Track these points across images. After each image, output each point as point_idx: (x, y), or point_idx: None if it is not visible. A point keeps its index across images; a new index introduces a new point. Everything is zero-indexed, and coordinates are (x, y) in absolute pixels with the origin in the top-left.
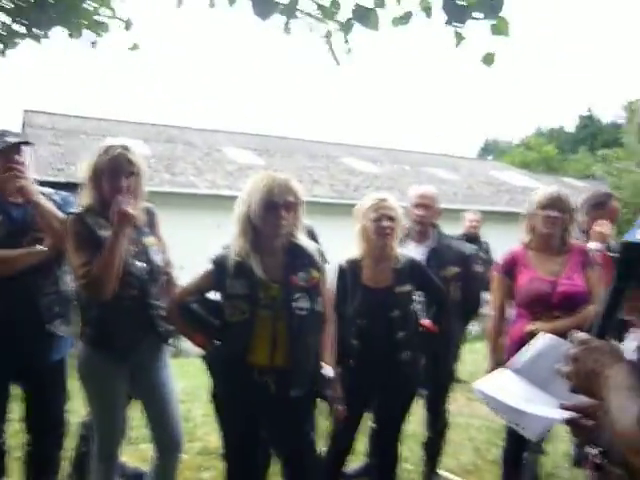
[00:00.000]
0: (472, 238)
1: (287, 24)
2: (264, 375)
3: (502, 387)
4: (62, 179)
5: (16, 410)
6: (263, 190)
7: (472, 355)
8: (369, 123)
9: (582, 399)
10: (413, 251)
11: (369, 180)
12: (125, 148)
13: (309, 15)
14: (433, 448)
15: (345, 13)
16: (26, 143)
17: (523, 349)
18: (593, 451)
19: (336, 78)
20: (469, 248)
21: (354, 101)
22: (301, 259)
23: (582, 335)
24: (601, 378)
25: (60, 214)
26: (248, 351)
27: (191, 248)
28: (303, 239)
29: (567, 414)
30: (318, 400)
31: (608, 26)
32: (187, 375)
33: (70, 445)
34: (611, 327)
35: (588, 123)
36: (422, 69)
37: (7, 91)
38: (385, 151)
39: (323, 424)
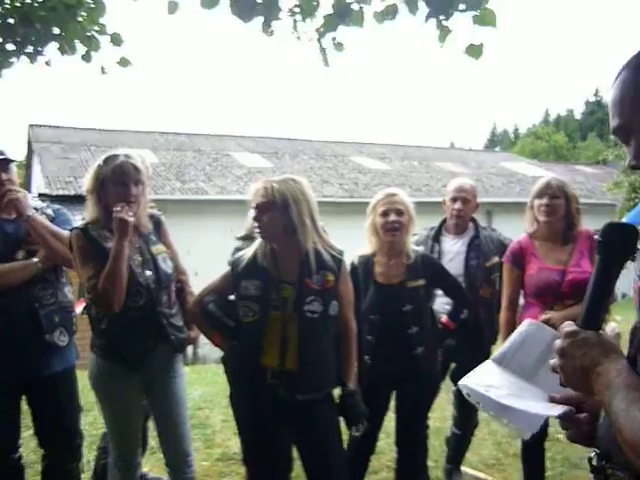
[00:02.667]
0: None
1: (268, 24)
2: (276, 378)
3: (487, 381)
4: (71, 192)
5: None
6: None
7: None
8: (375, 120)
9: (572, 392)
10: (451, 244)
11: (378, 177)
12: (127, 156)
13: (291, 13)
14: (459, 445)
15: (325, 10)
16: (9, 160)
17: (507, 339)
18: (590, 453)
19: (338, 77)
20: (507, 238)
21: (357, 99)
22: (318, 262)
23: (569, 326)
24: (592, 374)
25: (53, 227)
26: (260, 352)
27: (205, 254)
28: (320, 241)
29: (558, 408)
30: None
31: (615, 7)
32: (205, 382)
33: (90, 457)
34: (600, 316)
35: (595, 109)
36: (421, 63)
37: (10, 106)
38: (393, 147)
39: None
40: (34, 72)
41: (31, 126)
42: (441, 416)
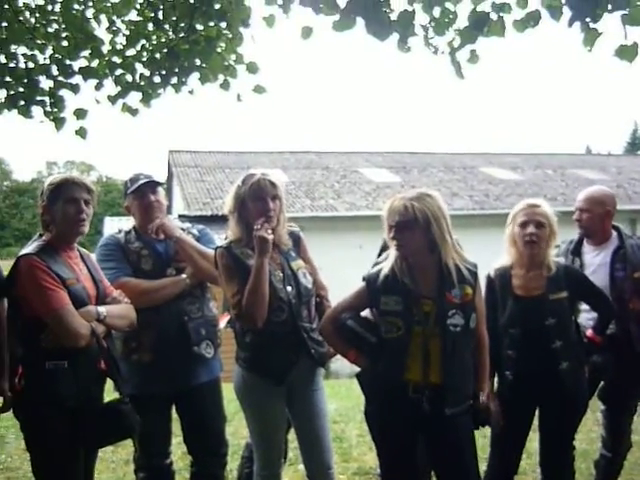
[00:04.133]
0: None
1: (404, 41)
2: (418, 392)
3: None
4: (208, 212)
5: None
6: (385, 212)
7: None
8: (504, 130)
9: None
10: (592, 255)
11: (510, 188)
12: (264, 174)
13: (424, 28)
14: (610, 469)
15: (461, 22)
16: (158, 183)
17: None
18: None
19: (466, 86)
20: None
21: (487, 108)
22: (455, 275)
23: None
24: None
25: (200, 247)
26: (403, 367)
27: (334, 270)
28: (457, 255)
29: None
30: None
31: None
32: (339, 396)
33: (233, 466)
34: None
35: None
36: (553, 67)
37: (153, 134)
38: (525, 157)
39: (482, 442)
40: (174, 101)
41: (171, 152)
42: (587, 437)
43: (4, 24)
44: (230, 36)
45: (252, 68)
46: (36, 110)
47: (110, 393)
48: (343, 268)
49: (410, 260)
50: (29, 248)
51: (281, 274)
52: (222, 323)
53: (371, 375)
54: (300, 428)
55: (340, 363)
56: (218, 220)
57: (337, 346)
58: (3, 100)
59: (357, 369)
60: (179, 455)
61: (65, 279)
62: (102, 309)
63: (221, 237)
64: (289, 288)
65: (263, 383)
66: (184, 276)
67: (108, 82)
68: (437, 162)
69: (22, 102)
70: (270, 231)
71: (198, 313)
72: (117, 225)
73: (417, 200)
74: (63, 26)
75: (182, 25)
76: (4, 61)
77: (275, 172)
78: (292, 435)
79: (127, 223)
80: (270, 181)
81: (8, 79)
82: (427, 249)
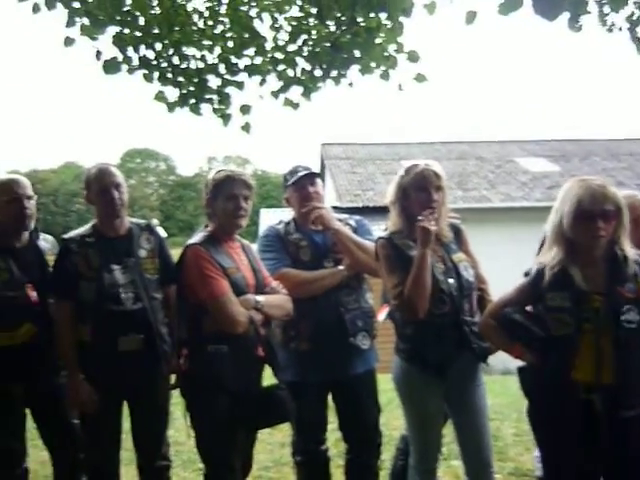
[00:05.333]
0: None
1: (575, 19)
2: (590, 393)
3: None
4: (360, 204)
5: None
6: (573, 199)
7: None
8: None
9: None
10: None
11: None
12: (427, 164)
13: (599, 4)
14: None
15: None
16: (316, 174)
17: None
18: None
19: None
20: None
21: None
22: (625, 269)
23: None
24: None
25: (357, 238)
26: (572, 366)
27: (488, 263)
28: (627, 248)
29: None
30: None
31: None
32: (493, 393)
33: (385, 456)
34: None
35: None
36: None
37: (305, 127)
38: None
39: None
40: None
41: (323, 145)
42: None
43: (176, 28)
44: (390, 26)
45: (413, 57)
46: (205, 107)
47: (269, 379)
48: (497, 262)
49: (582, 254)
50: (195, 238)
51: (442, 266)
52: (381, 315)
53: (537, 372)
54: (460, 424)
55: (491, 359)
56: (369, 211)
57: (499, 341)
58: (177, 99)
59: (511, 366)
60: (332, 441)
61: (226, 268)
62: (260, 298)
63: (378, 228)
64: (451, 280)
65: (423, 375)
66: (341, 268)
67: (271, 78)
68: (600, 149)
69: (192, 100)
70: (433, 222)
71: (355, 304)
72: (272, 217)
73: (612, 188)
74: (228, 26)
75: (343, 18)
76: (177, 62)
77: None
78: (445, 430)
79: (284, 214)
80: (434, 171)
81: (180, 79)
82: (609, 241)
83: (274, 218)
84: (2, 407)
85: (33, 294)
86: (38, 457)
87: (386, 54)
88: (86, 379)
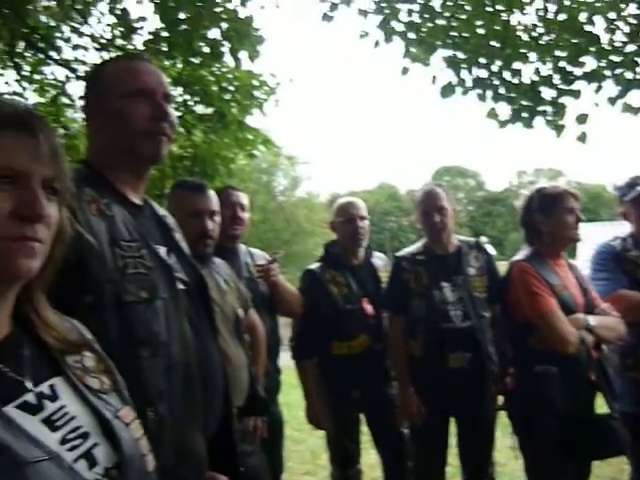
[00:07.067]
0: None
1: None
2: None
3: None
4: None
5: None
6: None
7: None
8: None
9: None
10: None
11: None
12: None
13: None
14: None
15: None
16: None
17: None
18: None
19: None
20: None
21: None
22: None
23: None
24: None
25: None
26: None
27: None
28: None
29: None
30: None
31: None
32: None
33: None
34: None
35: None
36: None
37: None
38: None
39: None
40: None
41: None
42: None
43: (505, 44)
44: None
45: None
46: (537, 120)
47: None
48: None
49: None
50: (520, 255)
51: None
52: None
53: None
54: None
55: None
56: None
57: None
58: (509, 116)
59: None
60: None
61: (554, 285)
62: (591, 318)
63: None
64: None
65: None
66: None
67: (606, 83)
68: None
69: (525, 114)
70: None
71: None
72: (588, 230)
73: None
74: (558, 35)
75: None
76: (509, 78)
77: None
78: None
79: (603, 228)
80: None
81: (512, 94)
82: None
83: (590, 231)
84: (342, 410)
85: (369, 307)
86: (367, 459)
87: None
88: (415, 392)
